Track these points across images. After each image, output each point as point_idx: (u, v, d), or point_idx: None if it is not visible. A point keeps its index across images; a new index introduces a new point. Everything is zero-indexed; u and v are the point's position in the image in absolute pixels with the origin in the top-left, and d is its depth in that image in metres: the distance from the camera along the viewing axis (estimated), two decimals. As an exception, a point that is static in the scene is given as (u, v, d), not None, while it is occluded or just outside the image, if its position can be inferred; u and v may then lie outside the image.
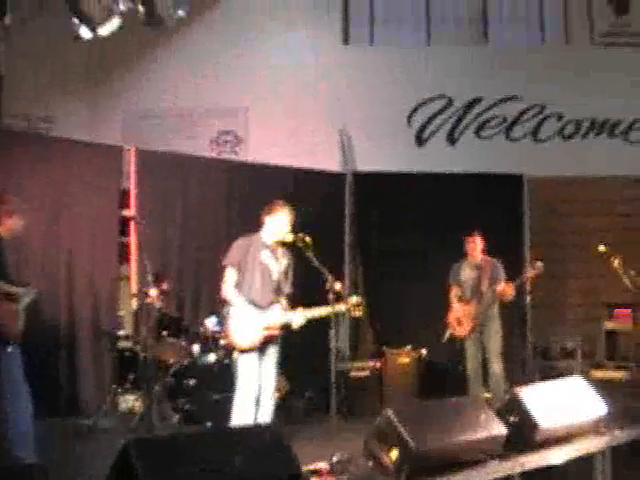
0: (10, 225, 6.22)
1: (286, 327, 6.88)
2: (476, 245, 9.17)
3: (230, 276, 6.86)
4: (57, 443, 7.51)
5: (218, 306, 8.68)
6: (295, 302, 7.05)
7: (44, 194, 9.00)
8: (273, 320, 6.81)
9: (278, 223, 6.87)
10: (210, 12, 11.76)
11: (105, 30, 4.33)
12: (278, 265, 6.94)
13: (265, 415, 6.83)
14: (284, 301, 6.98)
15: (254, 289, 6.83)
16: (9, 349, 6.02)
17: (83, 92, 11.91)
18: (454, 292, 9.28)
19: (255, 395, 6.81)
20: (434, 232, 10.49)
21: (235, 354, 6.89)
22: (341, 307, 6.76)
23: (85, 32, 4.30)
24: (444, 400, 7.29)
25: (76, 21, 4.30)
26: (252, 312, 6.77)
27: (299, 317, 6.83)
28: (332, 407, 6.84)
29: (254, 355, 6.79)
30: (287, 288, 7.03)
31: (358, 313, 6.81)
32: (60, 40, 9.78)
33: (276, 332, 6.85)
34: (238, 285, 6.85)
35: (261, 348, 6.82)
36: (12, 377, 6.03)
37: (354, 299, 6.79)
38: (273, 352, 6.94)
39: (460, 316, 9.12)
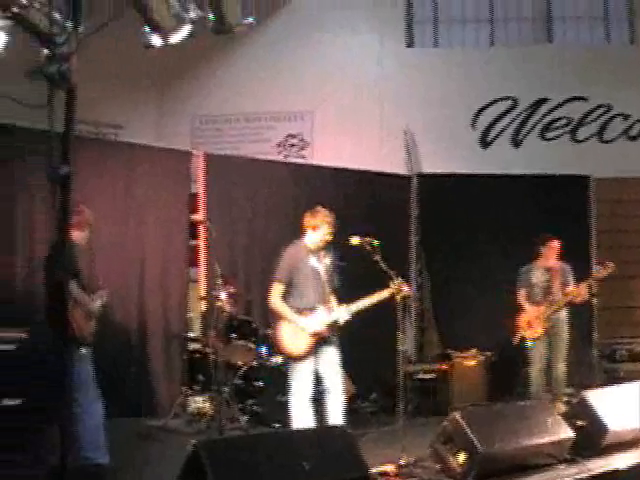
0: (83, 235, 6.36)
1: (334, 326, 6.91)
2: (554, 250, 9.13)
3: (278, 289, 6.94)
4: (127, 444, 7.56)
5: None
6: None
7: (114, 199, 9.13)
8: (319, 323, 6.85)
9: (322, 231, 6.92)
10: (276, 17, 11.84)
11: (176, 38, 4.39)
12: (324, 267, 6.97)
13: (336, 416, 6.82)
14: (333, 299, 7.02)
15: (306, 296, 6.90)
16: (82, 351, 6.16)
17: (151, 98, 12.12)
18: (523, 295, 9.22)
19: (309, 397, 6.84)
20: (499, 234, 10.45)
21: (289, 362, 6.97)
22: (384, 293, 6.82)
23: (156, 40, 4.36)
24: (511, 403, 7.29)
25: (147, 29, 4.36)
26: (300, 320, 6.83)
27: (344, 313, 6.90)
28: (399, 409, 6.88)
29: (307, 361, 6.83)
30: (334, 284, 7.05)
31: (399, 296, 6.79)
32: (128, 47, 9.95)
33: (325, 334, 6.87)
34: (288, 295, 6.93)
35: (316, 351, 6.86)
36: (85, 379, 6.14)
37: (397, 282, 6.78)
38: (331, 352, 6.94)
39: (531, 318, 9.07)
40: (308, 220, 6.99)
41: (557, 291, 9.04)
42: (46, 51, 3.55)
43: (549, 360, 9.05)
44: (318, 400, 6.95)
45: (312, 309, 6.87)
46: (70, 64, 3.50)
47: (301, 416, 6.81)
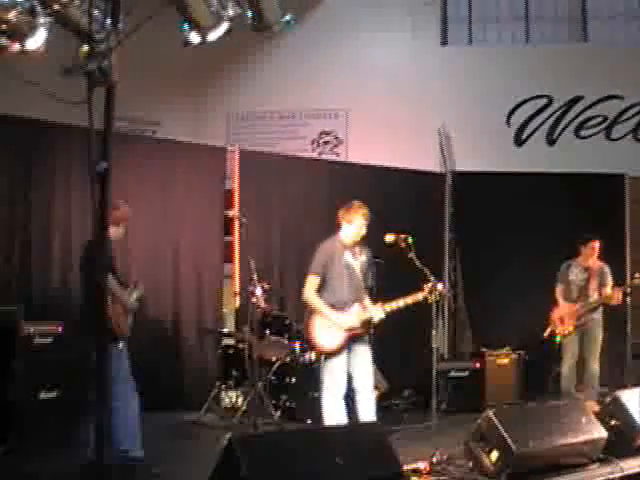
0: (119, 231, 6.43)
1: (368, 323, 6.89)
2: (594, 250, 9.18)
3: (313, 283, 6.91)
4: (161, 437, 7.64)
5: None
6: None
7: (150, 195, 9.21)
8: (353, 320, 6.83)
9: (356, 224, 6.88)
10: (311, 15, 11.85)
11: (214, 36, 4.41)
12: (359, 263, 6.95)
13: (367, 414, 6.80)
14: (367, 296, 7.00)
15: (339, 292, 6.87)
16: (120, 345, 6.22)
17: (188, 94, 12.15)
18: (559, 290, 9.29)
19: (342, 394, 6.83)
20: (533, 232, 10.40)
21: (322, 358, 6.96)
22: (418, 296, 6.80)
23: (195, 38, 4.38)
24: (545, 402, 7.26)
25: (186, 27, 4.39)
26: (334, 315, 6.81)
27: (379, 312, 6.86)
28: (432, 407, 6.89)
29: (340, 357, 6.82)
30: (368, 282, 7.04)
31: (433, 298, 6.78)
32: (165, 44, 10.01)
33: (359, 330, 6.86)
34: (321, 290, 6.91)
35: (348, 348, 6.84)
36: (122, 373, 6.19)
37: (431, 280, 6.77)
38: (364, 350, 6.91)
39: (564, 315, 9.14)
40: (342, 214, 6.95)
41: (593, 291, 9.12)
42: (86, 48, 3.58)
43: (582, 359, 9.07)
44: (350, 398, 6.96)
45: (345, 305, 6.85)
46: (110, 61, 3.54)
47: (333, 413, 6.80)
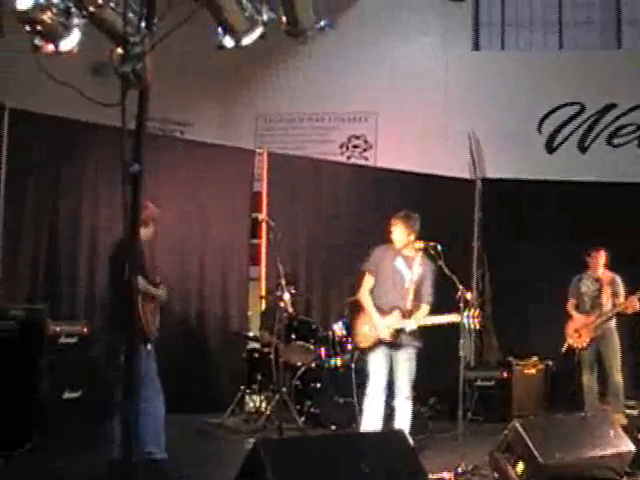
0: (147, 231, 6.41)
1: (399, 333, 6.90)
2: (599, 259, 9.17)
3: (368, 282, 7.06)
4: (185, 440, 7.65)
5: (344, 310, 8.80)
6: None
7: (179, 195, 9.20)
8: (388, 327, 6.87)
9: (394, 233, 6.98)
10: (342, 18, 11.80)
11: (248, 40, 4.38)
12: (411, 274, 6.94)
13: (402, 421, 6.82)
14: (426, 307, 6.99)
15: (383, 296, 6.96)
16: (148, 347, 6.21)
17: (217, 97, 12.15)
18: (572, 303, 9.27)
19: (381, 400, 6.87)
20: (563, 241, 10.22)
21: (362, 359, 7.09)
22: (454, 317, 6.78)
23: (228, 42, 4.35)
24: (572, 414, 7.18)
25: (220, 31, 4.36)
26: (376, 318, 6.92)
27: (412, 324, 6.89)
28: (459, 416, 6.83)
29: (380, 363, 6.89)
30: (427, 296, 7.00)
31: (474, 325, 6.79)
32: (196, 46, 10.01)
33: (388, 338, 6.87)
34: (372, 290, 7.03)
35: (389, 352, 6.90)
36: (149, 374, 6.18)
37: (471, 311, 6.74)
38: (407, 358, 6.95)
39: (579, 327, 9.10)
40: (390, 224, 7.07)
41: (606, 301, 9.07)
42: (120, 51, 3.57)
43: (604, 371, 9.03)
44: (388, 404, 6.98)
45: (388, 310, 6.91)
46: (144, 64, 3.52)
47: (369, 419, 6.88)
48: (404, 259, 6.96)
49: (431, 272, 7.00)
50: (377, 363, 6.92)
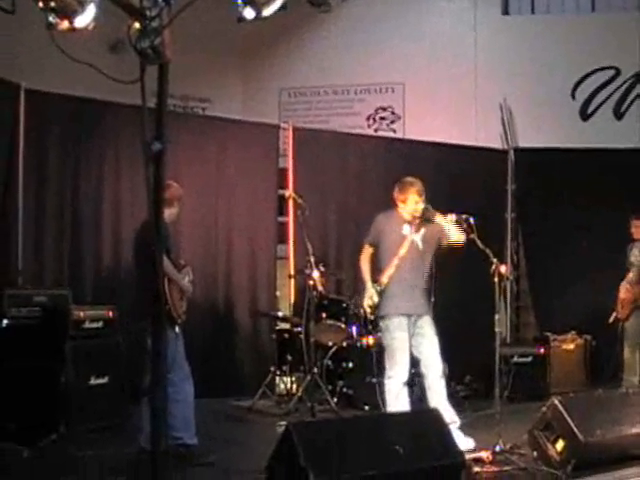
0: (172, 212, 6.27)
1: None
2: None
3: (365, 251, 7.08)
4: (216, 424, 7.61)
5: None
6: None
7: (202, 174, 9.09)
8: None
9: (411, 202, 6.82)
10: (366, -14, 11.61)
11: (269, 10, 4.18)
12: (420, 235, 6.85)
13: (437, 398, 6.71)
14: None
15: (388, 262, 6.82)
16: (176, 330, 6.12)
17: (239, 71, 12.03)
18: (626, 274, 9.00)
19: (404, 380, 6.75)
20: (600, 211, 10.02)
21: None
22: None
23: (249, 13, 4.17)
24: (613, 390, 7.05)
25: (240, 2, 4.17)
26: (368, 285, 6.93)
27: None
28: (495, 394, 6.74)
29: (401, 340, 6.75)
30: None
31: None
32: (215, 19, 9.85)
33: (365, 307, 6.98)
34: (376, 259, 6.99)
35: (410, 331, 6.78)
36: (178, 359, 6.10)
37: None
38: (429, 332, 6.85)
39: (624, 298, 8.94)
40: (396, 194, 6.92)
41: None
42: (137, 26, 3.42)
43: None
44: (416, 384, 6.81)
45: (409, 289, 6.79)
46: (162, 39, 3.38)
47: (393, 400, 6.75)
48: (409, 225, 6.86)
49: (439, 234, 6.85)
50: (401, 350, 6.77)
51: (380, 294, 6.80)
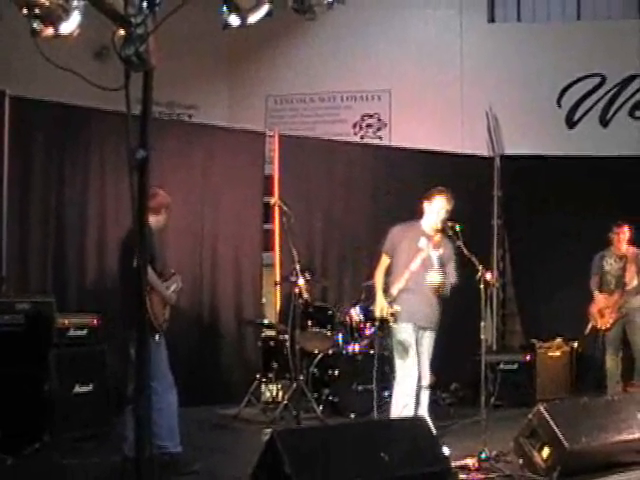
0: (159, 219, 6.25)
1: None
2: (623, 236, 8.99)
3: (382, 262, 6.98)
4: (201, 432, 7.58)
5: (361, 294, 8.64)
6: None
7: (188, 181, 9.06)
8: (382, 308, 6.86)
9: (435, 211, 6.77)
10: (352, -6, 11.61)
11: (254, 18, 4.18)
12: (437, 253, 6.78)
13: (421, 406, 6.72)
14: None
15: (408, 274, 6.73)
16: (157, 338, 6.05)
17: (225, 78, 12.04)
18: (595, 282, 9.11)
19: (414, 387, 6.71)
20: (586, 218, 10.04)
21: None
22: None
23: (234, 20, 4.17)
24: (599, 397, 7.06)
25: (225, 9, 4.17)
26: (379, 299, 6.85)
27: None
28: (481, 401, 6.70)
29: (411, 348, 6.70)
30: (451, 278, 6.81)
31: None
32: (202, 27, 9.84)
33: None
34: (390, 271, 6.92)
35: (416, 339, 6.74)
36: (160, 367, 6.05)
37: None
38: (428, 342, 6.84)
39: (602, 307, 8.98)
40: (424, 200, 6.88)
41: (631, 279, 8.86)
42: (122, 32, 3.41)
43: (631, 353, 8.89)
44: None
45: (413, 287, 6.75)
46: (147, 45, 3.37)
47: (400, 407, 6.69)
48: (427, 239, 6.77)
49: (453, 251, 6.81)
50: (411, 357, 6.72)
51: (390, 305, 6.76)
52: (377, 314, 6.88)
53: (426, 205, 6.82)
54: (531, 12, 12.25)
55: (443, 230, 6.74)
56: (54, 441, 6.50)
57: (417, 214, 6.91)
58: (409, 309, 6.70)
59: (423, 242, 6.75)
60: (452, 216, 6.78)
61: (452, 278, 6.79)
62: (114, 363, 7.15)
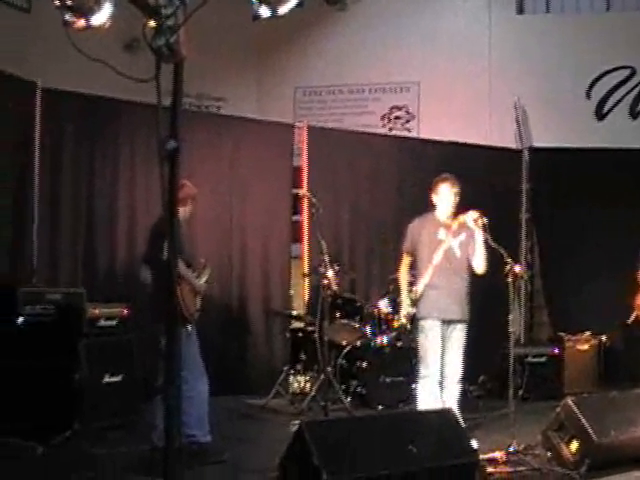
0: (185, 211, 6.27)
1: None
2: None
3: (404, 260, 6.99)
4: (229, 422, 7.60)
5: (389, 286, 8.63)
6: (472, 284, 6.85)
7: (217, 173, 9.10)
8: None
9: (443, 195, 6.73)
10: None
11: (284, 9, 4.18)
12: (458, 241, 6.72)
13: (450, 400, 6.65)
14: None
15: (432, 269, 6.69)
16: (189, 328, 6.09)
17: (254, 70, 12.04)
18: None
19: (436, 380, 6.68)
20: (615, 211, 9.99)
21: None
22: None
23: (264, 11, 4.16)
24: (628, 391, 7.00)
25: (256, 0, 4.17)
26: (404, 296, 6.89)
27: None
28: (509, 394, 6.68)
29: (434, 342, 6.66)
30: (479, 256, 6.69)
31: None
32: (232, 18, 9.85)
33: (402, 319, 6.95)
34: (415, 266, 6.90)
35: (443, 334, 6.70)
36: (191, 357, 6.07)
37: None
38: (459, 337, 6.77)
39: None
40: (432, 188, 6.82)
41: None
42: (153, 24, 3.42)
43: None
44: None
45: (436, 281, 6.71)
46: (177, 37, 3.38)
47: (426, 400, 6.67)
48: (445, 228, 6.73)
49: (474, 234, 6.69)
50: (433, 351, 6.68)
51: (415, 303, 6.75)
52: (402, 313, 6.92)
53: (434, 197, 6.78)
54: (560, 3, 12.17)
55: (456, 216, 6.69)
56: (83, 430, 6.56)
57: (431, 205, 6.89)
58: (435, 304, 6.67)
59: (442, 233, 6.71)
60: (480, 209, 6.68)
61: (479, 255, 6.66)
62: (143, 353, 7.19)
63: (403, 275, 6.98)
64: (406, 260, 6.96)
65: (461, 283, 6.76)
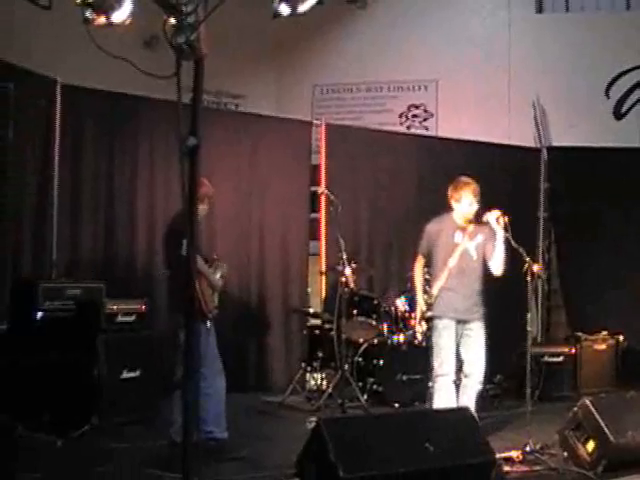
0: (203, 207, 6.29)
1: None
2: None
3: (418, 262, 6.99)
4: (246, 419, 7.62)
5: (406, 285, 8.63)
6: (490, 282, 6.82)
7: (235, 170, 9.13)
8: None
9: (466, 202, 6.63)
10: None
11: (305, 6, 4.19)
12: (475, 243, 6.68)
13: (468, 401, 6.59)
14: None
15: (447, 271, 6.66)
16: (207, 324, 6.12)
17: (273, 68, 12.05)
18: None
19: (451, 378, 6.64)
20: (633, 211, 9.98)
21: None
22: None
23: (284, 9, 4.18)
24: None
25: (276, -1, 4.19)
26: (419, 298, 6.94)
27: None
28: (527, 393, 6.66)
29: (448, 340, 6.63)
30: (497, 258, 6.61)
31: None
32: (251, 16, 9.86)
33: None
34: (431, 267, 6.88)
35: (459, 332, 6.67)
36: (210, 353, 6.10)
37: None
38: (478, 335, 6.73)
39: None
40: (450, 193, 6.71)
41: None
42: (173, 21, 3.45)
43: None
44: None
45: (451, 284, 6.67)
46: (198, 34, 3.40)
47: (443, 398, 6.63)
48: (462, 231, 6.68)
49: (490, 237, 6.63)
50: (448, 349, 6.64)
51: (429, 306, 6.74)
52: (418, 316, 6.97)
53: (454, 203, 6.68)
54: (580, 2, 12.10)
55: (475, 220, 6.64)
56: (102, 425, 6.62)
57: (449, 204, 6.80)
58: (451, 305, 6.64)
59: (459, 236, 6.66)
60: (499, 208, 6.59)
61: (498, 257, 6.59)
62: (161, 349, 7.22)
63: (418, 277, 6.99)
64: (421, 261, 6.97)
65: (476, 285, 6.71)
